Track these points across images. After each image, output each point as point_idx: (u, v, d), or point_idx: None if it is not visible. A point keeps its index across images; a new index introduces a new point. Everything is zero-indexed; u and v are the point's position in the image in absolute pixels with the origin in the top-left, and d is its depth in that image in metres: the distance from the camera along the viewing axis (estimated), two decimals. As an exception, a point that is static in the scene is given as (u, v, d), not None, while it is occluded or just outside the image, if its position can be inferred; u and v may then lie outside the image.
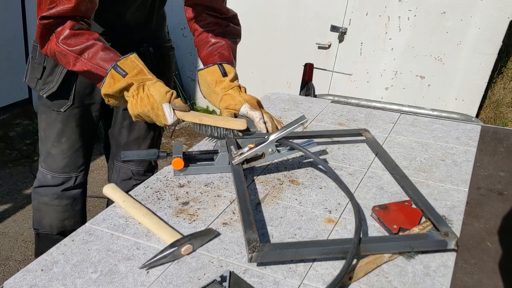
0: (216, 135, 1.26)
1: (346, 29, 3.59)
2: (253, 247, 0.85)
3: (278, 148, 1.17)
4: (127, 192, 1.11)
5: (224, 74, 1.38)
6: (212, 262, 0.88)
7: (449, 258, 0.91)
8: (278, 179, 1.21)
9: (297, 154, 1.27)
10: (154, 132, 1.76)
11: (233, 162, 1.16)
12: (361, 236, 0.90)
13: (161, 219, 1.01)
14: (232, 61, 1.46)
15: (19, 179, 3.30)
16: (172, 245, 0.89)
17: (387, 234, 0.98)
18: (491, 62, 3.26)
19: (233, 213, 1.05)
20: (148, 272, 0.85)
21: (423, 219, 1.02)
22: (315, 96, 2.32)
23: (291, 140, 1.19)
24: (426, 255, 0.91)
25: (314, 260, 0.89)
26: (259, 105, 1.34)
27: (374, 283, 0.84)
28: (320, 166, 1.25)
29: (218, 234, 0.96)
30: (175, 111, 1.21)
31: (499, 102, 3.56)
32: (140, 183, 1.19)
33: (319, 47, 3.79)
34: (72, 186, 1.64)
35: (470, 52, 3.29)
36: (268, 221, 1.02)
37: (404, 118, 1.68)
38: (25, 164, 3.52)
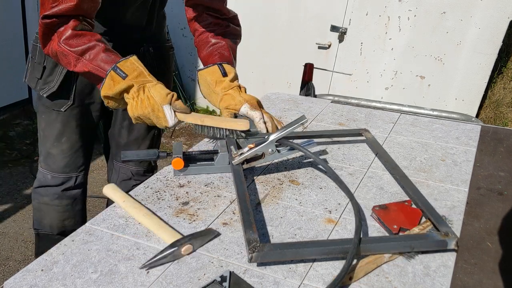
0: (218, 136, 1.26)
1: (346, 29, 3.59)
2: (253, 247, 0.85)
3: (278, 148, 1.17)
4: (127, 192, 1.11)
5: (224, 74, 1.38)
6: (212, 262, 0.88)
7: (449, 258, 0.91)
8: (278, 179, 1.21)
9: (297, 154, 1.27)
10: (153, 132, 1.76)
11: (233, 162, 1.16)
12: (361, 236, 0.90)
13: (161, 219, 1.01)
14: (232, 61, 1.46)
15: (19, 179, 3.30)
16: (172, 245, 0.88)
17: (387, 234, 0.98)
18: (491, 62, 3.26)
19: (233, 213, 1.05)
20: (148, 272, 0.85)
21: (423, 219, 1.02)
22: (315, 96, 2.32)
23: (291, 140, 1.19)
24: (426, 255, 0.91)
25: (314, 260, 0.89)
26: (259, 105, 1.34)
27: (374, 283, 0.84)
28: (320, 166, 1.25)
29: (218, 234, 0.96)
30: (175, 113, 1.20)
31: (499, 102, 3.56)
32: (140, 183, 1.19)
33: (319, 47, 3.79)
34: (72, 186, 1.64)
35: (470, 52, 3.29)
36: (268, 221, 1.02)
37: (404, 118, 1.68)
38: (25, 164, 3.52)
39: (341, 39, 3.67)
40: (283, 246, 0.87)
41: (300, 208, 1.07)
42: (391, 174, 1.24)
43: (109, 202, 1.78)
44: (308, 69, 2.43)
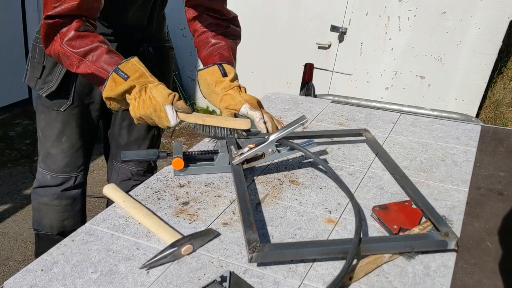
0: (219, 135, 1.26)
1: (346, 29, 3.59)
2: (253, 247, 0.85)
3: (278, 148, 1.17)
4: (126, 192, 1.11)
5: (224, 74, 1.38)
6: (212, 262, 0.88)
7: (449, 258, 0.91)
8: (278, 179, 1.21)
9: (297, 154, 1.27)
10: (153, 133, 1.76)
11: (233, 162, 1.16)
12: (361, 236, 0.90)
13: (161, 219, 1.01)
14: (232, 62, 1.46)
15: (18, 179, 3.30)
16: (172, 245, 0.88)
17: (387, 234, 0.98)
18: (491, 62, 3.26)
19: (233, 213, 1.05)
20: (148, 272, 0.85)
21: (423, 219, 1.02)
22: (315, 96, 2.32)
23: (291, 140, 1.19)
24: (426, 255, 0.91)
25: (314, 260, 0.89)
26: (259, 105, 1.34)
27: (374, 283, 0.84)
28: (320, 166, 1.25)
29: (218, 234, 0.96)
30: (177, 112, 1.21)
31: (499, 102, 3.56)
32: (140, 183, 1.19)
33: (319, 47, 3.79)
34: (71, 186, 1.64)
35: (470, 52, 3.29)
36: (268, 221, 1.02)
37: (404, 118, 1.68)
38: (24, 164, 3.51)
39: (341, 39, 3.67)
40: (283, 246, 0.87)
41: (300, 208, 1.07)
42: (391, 174, 1.24)
43: (109, 202, 1.78)
44: (308, 69, 2.42)
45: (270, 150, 1.15)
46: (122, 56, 1.23)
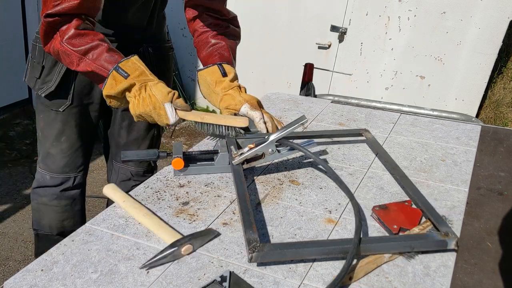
0: (218, 133, 1.27)
1: (346, 29, 3.59)
2: (253, 247, 0.85)
3: (278, 148, 1.17)
4: (126, 192, 1.11)
5: (224, 74, 1.38)
6: (212, 262, 0.88)
7: (449, 258, 0.91)
8: (278, 179, 1.21)
9: (297, 154, 1.27)
10: (153, 133, 1.76)
11: (233, 162, 1.16)
12: (361, 236, 0.90)
13: (161, 219, 1.01)
14: (232, 62, 1.46)
15: (18, 179, 3.30)
16: (172, 245, 0.88)
17: (387, 234, 0.98)
18: (491, 62, 3.26)
19: (233, 213, 1.05)
20: (148, 272, 0.85)
21: (423, 219, 1.01)
22: (315, 96, 2.32)
23: (291, 140, 1.19)
24: (426, 255, 0.91)
25: (314, 260, 0.89)
26: (259, 105, 1.34)
27: (374, 283, 0.84)
28: (320, 166, 1.25)
29: (218, 234, 0.96)
30: (177, 110, 1.22)
31: (499, 102, 3.56)
32: (140, 184, 1.19)
33: (319, 47, 3.79)
34: (71, 187, 1.64)
35: (470, 52, 3.29)
36: (268, 221, 1.02)
37: (404, 118, 1.68)
38: (24, 164, 3.51)
39: (341, 39, 3.67)
40: (283, 246, 0.87)
41: (300, 208, 1.07)
42: (391, 174, 1.24)
43: (109, 202, 1.78)
44: (308, 69, 2.42)
45: (270, 150, 1.15)
46: (122, 55, 1.24)
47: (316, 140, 1.30)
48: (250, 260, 0.85)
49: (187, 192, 1.13)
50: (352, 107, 1.80)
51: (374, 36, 3.53)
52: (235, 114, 1.33)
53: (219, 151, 1.22)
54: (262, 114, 1.31)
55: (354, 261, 0.86)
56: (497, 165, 1.36)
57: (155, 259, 0.86)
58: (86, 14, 1.23)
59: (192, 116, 1.25)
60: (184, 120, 1.25)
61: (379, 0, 3.43)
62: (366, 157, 1.35)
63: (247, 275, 0.85)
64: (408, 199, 1.10)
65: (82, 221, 1.73)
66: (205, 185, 1.17)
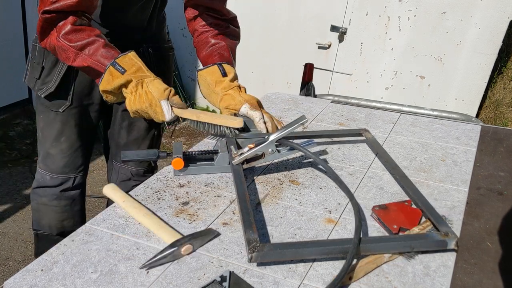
0: (213, 132, 1.28)
1: (346, 29, 3.59)
2: (253, 247, 0.85)
3: (278, 148, 1.17)
4: (126, 192, 1.11)
5: (224, 74, 1.38)
6: (212, 262, 0.88)
7: (449, 258, 0.91)
8: (278, 179, 1.21)
9: (297, 154, 1.27)
10: (153, 133, 1.76)
11: (233, 162, 1.16)
12: (361, 236, 0.90)
13: (161, 219, 1.01)
14: (232, 62, 1.46)
15: (18, 179, 3.30)
16: (172, 245, 0.88)
17: (387, 234, 0.98)
18: (491, 62, 3.26)
19: (233, 213, 1.05)
20: (148, 272, 0.85)
21: (423, 219, 1.01)
22: (315, 96, 2.32)
23: (291, 140, 1.19)
24: (426, 255, 0.91)
25: (314, 260, 0.89)
26: (259, 105, 1.34)
27: (374, 283, 0.84)
28: (320, 166, 1.25)
29: (218, 234, 0.96)
30: (173, 108, 1.22)
31: (499, 102, 3.56)
32: (140, 184, 1.19)
33: (319, 47, 3.79)
34: (70, 187, 1.64)
35: (470, 52, 3.29)
36: (268, 221, 1.02)
37: (404, 118, 1.68)
38: (24, 164, 3.52)
39: (341, 39, 3.67)
40: (283, 246, 0.87)
41: (300, 208, 1.07)
42: (391, 174, 1.24)
43: (109, 202, 1.78)
44: (308, 69, 2.42)
45: (270, 150, 1.15)
46: (119, 50, 1.25)
47: (316, 140, 1.30)
48: (250, 260, 0.85)
49: (187, 192, 1.13)
50: (352, 107, 1.80)
51: (374, 36, 3.54)
52: (235, 114, 1.33)
53: (219, 151, 1.22)
54: (262, 114, 1.31)
55: (354, 261, 0.86)
56: (497, 165, 1.36)
57: (155, 259, 0.86)
58: (83, 11, 1.24)
59: (188, 114, 1.25)
60: (180, 117, 1.26)
61: (379, 0, 3.43)
62: (366, 157, 1.35)
63: (247, 275, 0.85)
64: (408, 199, 1.10)
65: (82, 221, 1.73)
66: (205, 185, 1.17)
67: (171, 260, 0.88)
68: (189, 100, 4.56)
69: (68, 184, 1.63)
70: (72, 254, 0.90)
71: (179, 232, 0.96)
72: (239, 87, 1.37)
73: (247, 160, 1.17)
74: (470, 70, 3.33)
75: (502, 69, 3.64)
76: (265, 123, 1.31)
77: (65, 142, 1.58)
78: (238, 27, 1.57)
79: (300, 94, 2.33)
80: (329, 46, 3.74)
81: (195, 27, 1.53)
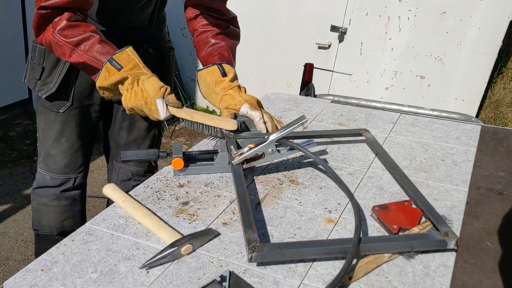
0: (207, 133, 1.29)
1: (346, 29, 3.59)
2: (253, 247, 0.85)
3: (278, 148, 1.17)
4: (126, 192, 1.11)
5: (224, 74, 1.38)
6: (212, 262, 0.88)
7: (449, 258, 0.91)
8: (278, 179, 1.21)
9: (297, 154, 1.27)
10: (154, 133, 1.76)
11: (233, 162, 1.16)
12: (361, 236, 0.90)
13: (161, 219, 1.01)
14: (231, 62, 1.46)
15: (19, 179, 3.30)
16: (172, 245, 0.89)
17: (387, 234, 0.98)
18: (491, 62, 3.26)
19: (233, 213, 1.05)
20: (148, 272, 0.85)
21: (423, 219, 1.02)
22: (315, 96, 2.32)
23: (291, 140, 1.19)
24: (426, 255, 0.91)
25: (314, 260, 0.89)
26: (259, 105, 1.34)
27: (374, 283, 0.84)
28: (320, 166, 1.25)
29: (218, 234, 0.96)
30: (168, 106, 1.23)
31: (499, 102, 3.56)
32: (140, 184, 1.19)
33: (319, 47, 3.79)
34: (71, 187, 1.64)
35: (470, 52, 3.29)
36: (268, 221, 1.02)
37: (404, 118, 1.68)
38: (25, 164, 3.52)
39: (341, 39, 3.67)
40: (283, 246, 0.87)
41: (300, 208, 1.07)
42: (391, 174, 1.24)
43: (109, 202, 1.78)
44: (308, 69, 2.43)
45: (270, 150, 1.15)
46: (115, 46, 1.25)
47: (316, 140, 1.30)
48: (250, 260, 0.85)
49: (187, 192, 1.13)
50: (352, 107, 1.80)
51: (374, 36, 3.54)
52: (235, 114, 1.33)
53: (219, 151, 1.22)
54: (262, 114, 1.31)
55: (354, 261, 0.86)
56: (497, 165, 1.36)
57: (155, 259, 0.86)
58: (79, 8, 1.24)
59: (183, 113, 1.26)
60: (182, 119, 1.26)
61: (379, 0, 3.43)
62: (366, 157, 1.35)
63: (247, 275, 0.85)
64: (408, 199, 1.10)
65: (82, 221, 1.73)
66: (205, 185, 1.17)
67: (171, 260, 0.88)
68: (189, 100, 4.56)
69: (69, 185, 1.63)
70: (72, 254, 0.90)
71: (179, 232, 0.96)
72: (239, 87, 1.37)
73: (247, 160, 1.17)
74: (470, 70, 3.33)
75: (502, 69, 3.64)
76: (265, 123, 1.31)
77: (66, 143, 1.58)
78: (238, 27, 1.57)
79: (300, 94, 2.33)
80: (329, 46, 3.74)
81: (195, 26, 1.53)
